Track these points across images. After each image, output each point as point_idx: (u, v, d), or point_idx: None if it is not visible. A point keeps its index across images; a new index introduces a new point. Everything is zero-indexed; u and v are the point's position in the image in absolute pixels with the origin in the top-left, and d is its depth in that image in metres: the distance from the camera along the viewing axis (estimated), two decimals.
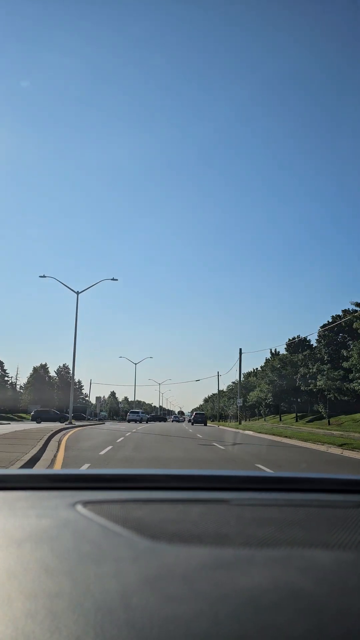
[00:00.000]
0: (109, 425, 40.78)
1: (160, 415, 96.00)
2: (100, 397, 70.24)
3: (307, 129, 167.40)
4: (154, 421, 67.30)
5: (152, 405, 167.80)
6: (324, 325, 60.53)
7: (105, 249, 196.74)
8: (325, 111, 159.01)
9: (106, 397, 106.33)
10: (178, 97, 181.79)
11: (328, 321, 61.64)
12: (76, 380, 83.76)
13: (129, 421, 55.18)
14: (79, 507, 1.08)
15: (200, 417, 58.38)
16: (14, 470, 1.55)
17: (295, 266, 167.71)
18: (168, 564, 0.78)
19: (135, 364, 76.27)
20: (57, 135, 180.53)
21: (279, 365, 64.28)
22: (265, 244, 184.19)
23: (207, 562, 0.79)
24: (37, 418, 43.49)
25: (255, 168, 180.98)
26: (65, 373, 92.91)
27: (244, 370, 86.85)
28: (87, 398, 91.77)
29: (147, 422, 55.85)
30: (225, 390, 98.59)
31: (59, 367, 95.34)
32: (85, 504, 1.11)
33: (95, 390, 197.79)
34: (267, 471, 6.83)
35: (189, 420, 61.29)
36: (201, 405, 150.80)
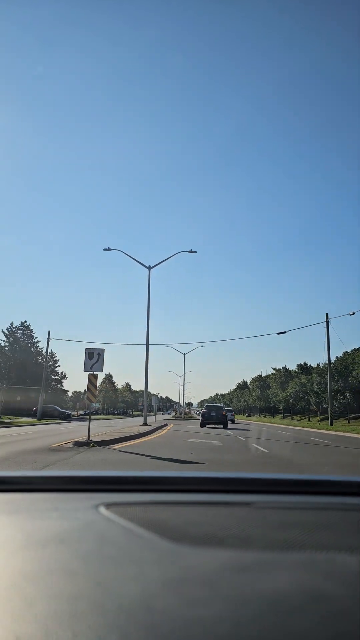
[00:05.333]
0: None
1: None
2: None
3: None
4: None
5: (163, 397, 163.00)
6: None
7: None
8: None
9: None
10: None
11: None
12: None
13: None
14: (102, 509, 1.09)
15: (219, 413, 31.97)
16: (37, 472, 1.56)
17: None
18: (190, 566, 0.78)
19: (184, 354, 71.64)
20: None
21: None
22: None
23: (230, 565, 0.79)
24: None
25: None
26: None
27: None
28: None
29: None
30: (274, 371, 76.31)
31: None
32: (108, 506, 1.12)
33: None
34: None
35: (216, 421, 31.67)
36: (229, 393, 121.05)
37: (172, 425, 32.83)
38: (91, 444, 13.41)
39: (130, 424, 31.77)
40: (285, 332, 42.81)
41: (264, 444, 17.11)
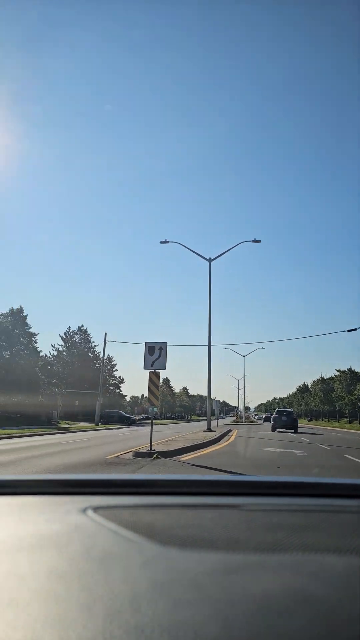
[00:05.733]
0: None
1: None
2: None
3: None
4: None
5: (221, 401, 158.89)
6: None
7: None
8: None
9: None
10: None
11: None
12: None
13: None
14: (90, 512, 1.10)
15: (290, 418, 32.13)
16: (25, 475, 1.68)
17: None
18: (178, 569, 0.79)
19: (244, 355, 68.48)
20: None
21: None
22: None
23: (218, 567, 0.80)
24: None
25: None
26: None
27: None
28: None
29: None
30: (339, 373, 70.22)
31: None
32: (96, 509, 1.13)
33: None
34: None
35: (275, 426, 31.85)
36: (288, 397, 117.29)
37: (236, 430, 30.61)
38: (154, 455, 11.24)
39: (193, 430, 30.25)
40: (356, 329, 39.50)
41: (357, 454, 14.39)
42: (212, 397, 29.18)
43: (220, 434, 22.63)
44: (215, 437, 19.47)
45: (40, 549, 0.87)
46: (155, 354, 12.31)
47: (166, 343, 12.43)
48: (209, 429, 26.07)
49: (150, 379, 12.33)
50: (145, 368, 12.32)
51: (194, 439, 17.56)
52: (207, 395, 28.98)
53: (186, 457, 11.81)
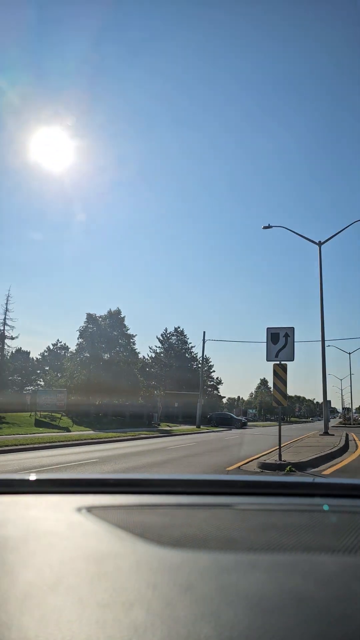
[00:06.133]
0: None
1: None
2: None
3: None
4: None
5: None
6: None
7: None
8: None
9: None
10: None
11: None
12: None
13: None
14: (84, 512, 1.10)
15: None
16: (19, 474, 1.58)
17: None
18: (172, 568, 0.79)
19: (349, 353, 63.20)
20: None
21: None
22: None
23: (211, 566, 0.80)
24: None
25: None
26: None
27: None
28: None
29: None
30: None
31: None
32: (90, 508, 1.12)
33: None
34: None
35: None
36: None
37: (352, 434, 27.32)
38: (287, 468, 8.99)
39: (304, 433, 27.42)
40: None
41: None
42: (310, 398, 26.10)
43: (342, 437, 19.75)
44: (339, 442, 16.65)
45: (34, 548, 0.88)
46: (279, 341, 10.04)
47: (293, 328, 10.13)
48: (326, 433, 23.30)
49: (275, 373, 10.05)
50: (268, 359, 10.10)
51: (318, 445, 15.00)
52: (320, 397, 26.04)
53: (326, 469, 9.41)
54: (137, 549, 0.87)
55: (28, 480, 1.38)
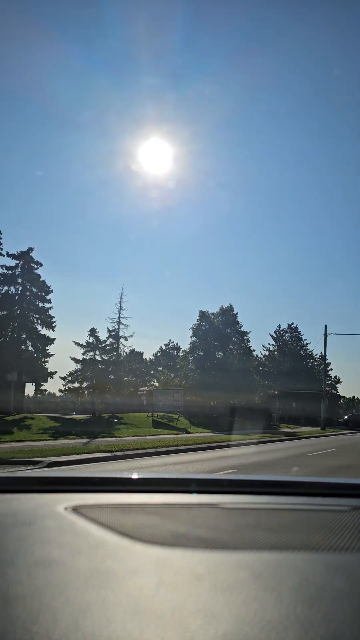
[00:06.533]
0: None
1: None
2: None
3: None
4: None
5: None
6: None
7: None
8: None
9: None
10: None
11: None
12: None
13: None
14: (70, 511, 1.10)
15: None
16: (5, 473, 1.63)
17: None
18: (158, 567, 0.80)
19: None
20: None
21: None
22: None
23: (197, 565, 0.81)
24: None
25: None
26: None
27: None
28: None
29: None
30: None
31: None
32: (76, 507, 1.13)
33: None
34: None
35: None
36: None
37: None
38: None
39: None
40: None
41: None
42: None
43: None
44: None
45: (20, 547, 0.87)
46: None
47: None
48: None
49: None
50: None
51: None
52: None
53: None
54: (124, 548, 0.88)
55: (13, 478, 1.42)
